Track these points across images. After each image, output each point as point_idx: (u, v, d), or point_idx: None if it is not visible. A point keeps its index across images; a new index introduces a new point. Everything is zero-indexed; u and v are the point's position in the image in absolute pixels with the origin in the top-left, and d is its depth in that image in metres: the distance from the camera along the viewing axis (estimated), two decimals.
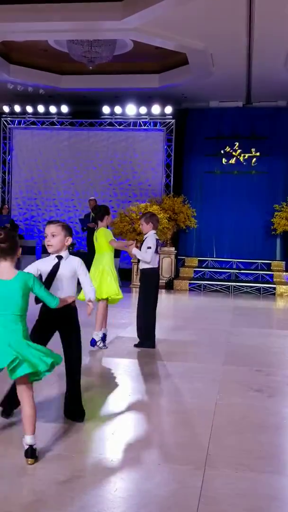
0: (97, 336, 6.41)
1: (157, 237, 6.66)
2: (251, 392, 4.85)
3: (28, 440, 3.22)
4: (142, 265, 6.59)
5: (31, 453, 3.21)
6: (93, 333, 6.36)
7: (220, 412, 4.26)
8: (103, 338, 6.48)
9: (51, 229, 3.84)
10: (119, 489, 2.96)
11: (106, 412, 4.26)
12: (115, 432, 3.82)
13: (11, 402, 3.80)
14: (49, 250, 3.87)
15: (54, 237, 3.84)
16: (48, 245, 3.87)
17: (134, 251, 6.46)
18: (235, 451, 3.53)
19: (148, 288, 6.59)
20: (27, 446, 3.22)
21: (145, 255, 6.42)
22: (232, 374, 5.50)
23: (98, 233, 6.47)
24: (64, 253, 3.89)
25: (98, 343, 6.39)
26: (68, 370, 3.91)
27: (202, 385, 5.03)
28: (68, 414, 3.97)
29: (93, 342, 6.35)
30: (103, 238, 6.40)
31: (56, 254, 3.87)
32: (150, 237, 6.52)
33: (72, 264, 3.88)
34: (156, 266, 6.57)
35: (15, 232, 3.43)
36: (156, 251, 6.50)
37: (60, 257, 3.87)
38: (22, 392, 3.26)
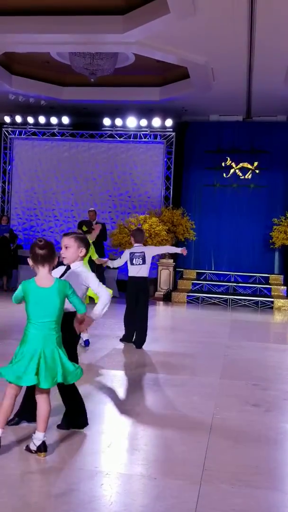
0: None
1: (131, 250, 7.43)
2: (248, 407, 4.84)
3: (41, 436, 3.43)
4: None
5: (44, 448, 3.42)
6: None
7: (217, 426, 4.25)
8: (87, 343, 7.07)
9: (64, 241, 3.97)
10: (114, 503, 2.94)
11: (101, 425, 4.23)
12: (111, 445, 3.80)
13: (28, 408, 3.87)
14: (64, 262, 4.00)
15: (68, 249, 3.95)
16: (62, 257, 3.97)
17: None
18: (232, 466, 3.51)
19: (127, 294, 7.60)
20: (40, 442, 3.41)
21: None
22: (229, 388, 5.48)
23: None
24: (75, 264, 3.97)
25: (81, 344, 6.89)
26: None
27: (199, 398, 5.01)
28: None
29: (86, 343, 6.98)
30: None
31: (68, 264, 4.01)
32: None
33: (80, 276, 3.92)
34: (131, 274, 7.38)
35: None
36: (132, 263, 7.32)
37: (68, 267, 3.96)
38: (42, 393, 3.45)
